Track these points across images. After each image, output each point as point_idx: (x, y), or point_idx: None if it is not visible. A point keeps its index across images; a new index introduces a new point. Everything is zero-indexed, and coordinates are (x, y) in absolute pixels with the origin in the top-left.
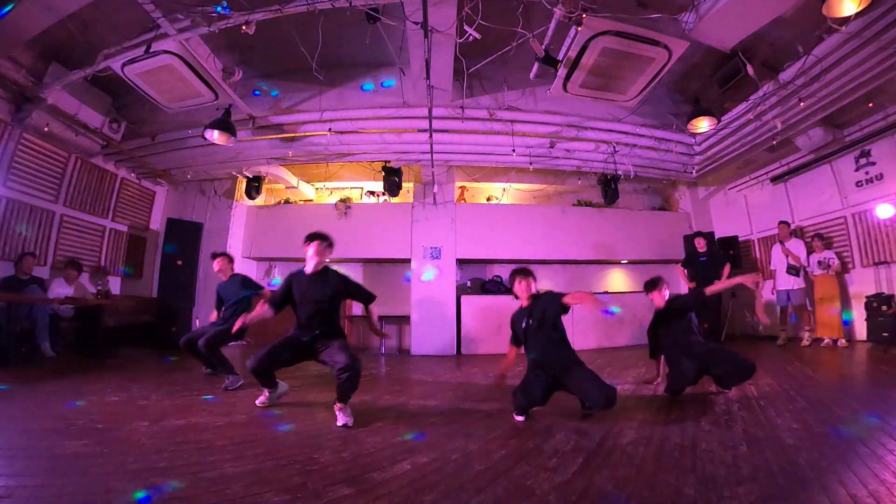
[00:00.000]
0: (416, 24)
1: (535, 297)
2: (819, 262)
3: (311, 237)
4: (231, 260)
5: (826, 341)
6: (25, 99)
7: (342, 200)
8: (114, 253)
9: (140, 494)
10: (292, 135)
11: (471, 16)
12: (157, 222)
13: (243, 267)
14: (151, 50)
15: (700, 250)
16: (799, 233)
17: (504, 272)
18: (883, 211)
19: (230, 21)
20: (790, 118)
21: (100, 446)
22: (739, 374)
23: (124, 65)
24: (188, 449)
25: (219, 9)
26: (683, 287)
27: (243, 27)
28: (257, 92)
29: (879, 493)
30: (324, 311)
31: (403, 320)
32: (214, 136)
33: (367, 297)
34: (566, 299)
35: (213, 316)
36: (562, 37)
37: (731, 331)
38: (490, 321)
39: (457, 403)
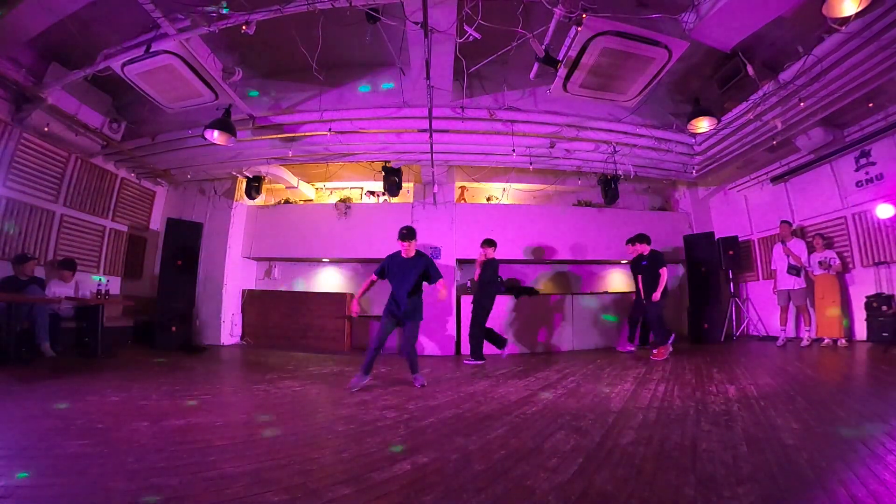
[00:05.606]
0: (416, 24)
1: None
2: (820, 262)
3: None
4: None
5: (826, 341)
6: (25, 99)
7: (342, 200)
8: (114, 253)
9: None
10: (292, 135)
11: (471, 16)
12: (157, 222)
13: (243, 267)
14: (151, 50)
15: (645, 254)
16: (800, 233)
17: (504, 272)
18: (883, 211)
19: (230, 21)
20: (790, 118)
21: (100, 446)
22: None
23: (124, 65)
24: (188, 449)
25: (225, 9)
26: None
27: (243, 27)
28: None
29: (879, 494)
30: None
31: None
32: (214, 136)
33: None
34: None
35: None
36: (562, 37)
37: (730, 331)
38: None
39: (456, 403)
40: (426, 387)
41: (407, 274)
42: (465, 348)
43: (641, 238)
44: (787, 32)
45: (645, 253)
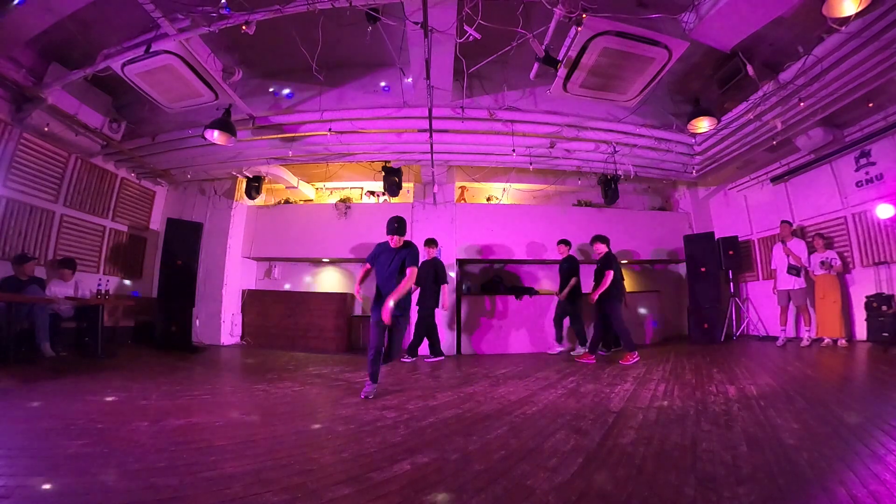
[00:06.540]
0: (416, 24)
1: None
2: (822, 263)
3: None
4: None
5: (826, 341)
6: (25, 99)
7: (342, 200)
8: (114, 253)
9: None
10: (292, 135)
11: (471, 16)
12: (157, 222)
13: (243, 267)
14: (151, 50)
15: (603, 252)
16: (800, 233)
17: (505, 272)
18: (883, 211)
19: (230, 21)
20: (790, 118)
21: (100, 446)
22: None
23: (124, 65)
24: (188, 449)
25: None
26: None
27: (243, 27)
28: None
29: (879, 494)
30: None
31: None
32: (214, 136)
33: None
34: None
35: None
36: (562, 37)
37: (730, 331)
38: (490, 321)
39: (456, 403)
40: (370, 400)
41: (390, 261)
42: (465, 348)
43: (600, 238)
44: (787, 32)
45: (602, 253)
